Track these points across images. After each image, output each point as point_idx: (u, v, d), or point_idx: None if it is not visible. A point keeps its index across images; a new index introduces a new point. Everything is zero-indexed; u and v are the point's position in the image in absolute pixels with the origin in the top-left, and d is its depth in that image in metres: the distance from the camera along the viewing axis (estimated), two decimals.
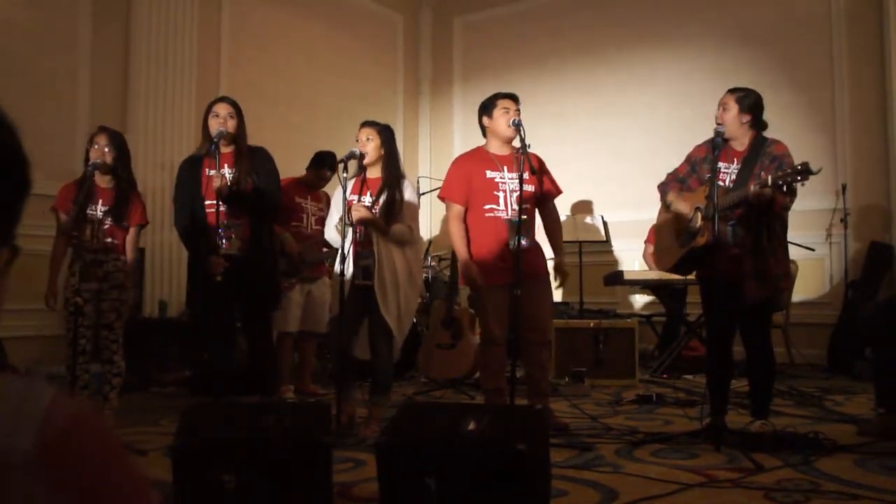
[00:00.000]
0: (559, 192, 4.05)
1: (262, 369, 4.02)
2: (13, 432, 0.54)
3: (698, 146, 3.70)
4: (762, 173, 3.35)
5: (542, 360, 3.86)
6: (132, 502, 0.61)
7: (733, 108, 3.52)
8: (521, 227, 3.66)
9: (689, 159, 3.70)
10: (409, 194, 3.87)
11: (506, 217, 3.78)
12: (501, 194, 3.82)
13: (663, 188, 3.74)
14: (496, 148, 3.93)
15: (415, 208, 3.93)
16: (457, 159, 4.06)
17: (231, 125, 3.90)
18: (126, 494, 0.60)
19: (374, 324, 3.79)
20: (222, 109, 3.91)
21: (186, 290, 3.95)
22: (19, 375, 0.65)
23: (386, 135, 3.91)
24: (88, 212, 3.74)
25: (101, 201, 3.78)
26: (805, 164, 3.08)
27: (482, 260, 3.82)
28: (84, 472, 0.57)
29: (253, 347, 4.07)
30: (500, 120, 3.84)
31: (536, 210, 4.00)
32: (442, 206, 4.11)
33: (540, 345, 3.83)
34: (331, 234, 4.04)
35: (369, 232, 3.80)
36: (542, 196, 3.96)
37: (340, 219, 3.78)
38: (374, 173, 3.92)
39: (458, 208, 3.91)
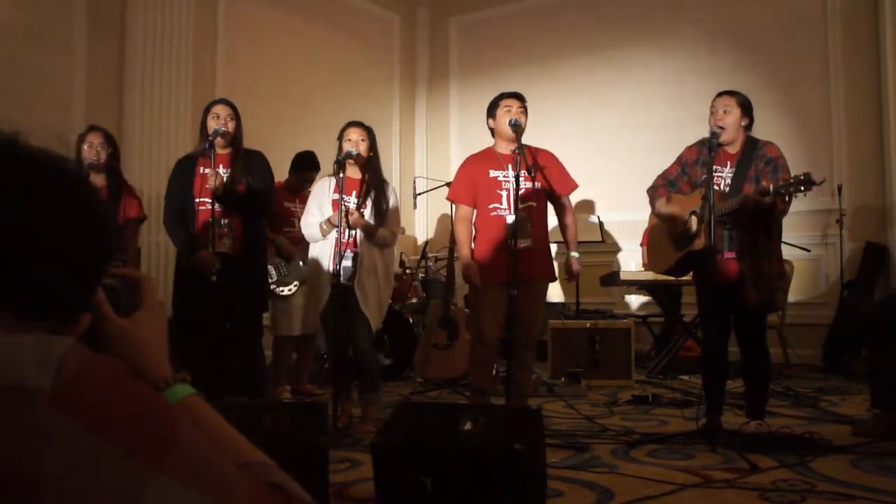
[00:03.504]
0: (570, 187, 3.94)
1: (250, 371, 4.01)
2: (36, 375, 0.66)
3: (689, 147, 3.68)
4: (761, 178, 3.35)
5: (528, 362, 3.89)
6: (153, 427, 0.70)
7: (736, 110, 3.49)
8: (519, 226, 3.65)
9: (680, 161, 3.68)
10: (394, 200, 3.99)
11: (508, 215, 3.78)
12: (504, 193, 3.81)
13: (652, 193, 3.72)
14: (502, 147, 3.93)
15: (398, 214, 4.07)
16: (465, 161, 4.05)
17: (230, 126, 3.90)
18: (139, 422, 0.69)
19: (355, 322, 3.84)
20: (222, 111, 3.91)
21: (174, 291, 3.93)
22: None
23: (373, 136, 3.99)
24: None
25: None
26: (808, 175, 3.07)
27: (485, 258, 3.82)
28: (95, 406, 0.67)
29: (241, 348, 4.05)
30: (502, 119, 3.85)
31: (550, 208, 3.96)
32: (438, 205, 4.12)
33: (526, 347, 3.83)
34: (310, 230, 3.97)
35: (356, 234, 3.85)
36: (549, 193, 3.92)
37: (328, 221, 3.83)
38: (354, 173, 3.96)
39: (465, 209, 3.92)
